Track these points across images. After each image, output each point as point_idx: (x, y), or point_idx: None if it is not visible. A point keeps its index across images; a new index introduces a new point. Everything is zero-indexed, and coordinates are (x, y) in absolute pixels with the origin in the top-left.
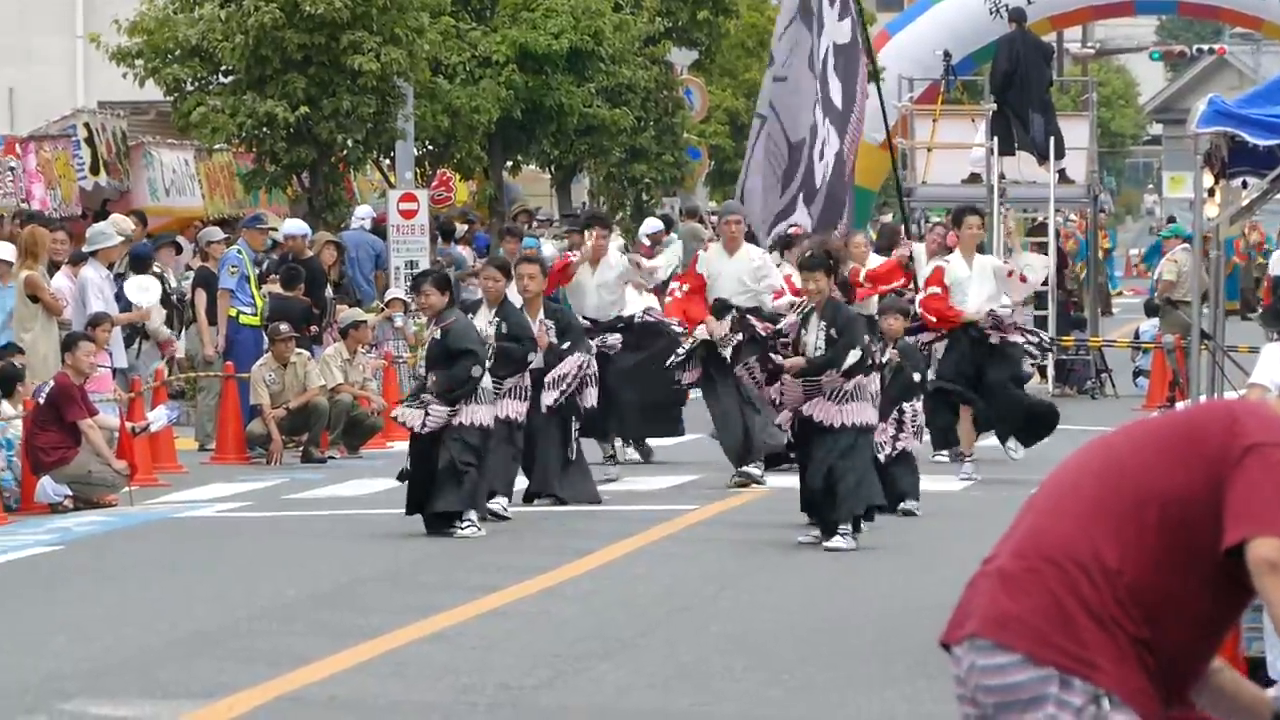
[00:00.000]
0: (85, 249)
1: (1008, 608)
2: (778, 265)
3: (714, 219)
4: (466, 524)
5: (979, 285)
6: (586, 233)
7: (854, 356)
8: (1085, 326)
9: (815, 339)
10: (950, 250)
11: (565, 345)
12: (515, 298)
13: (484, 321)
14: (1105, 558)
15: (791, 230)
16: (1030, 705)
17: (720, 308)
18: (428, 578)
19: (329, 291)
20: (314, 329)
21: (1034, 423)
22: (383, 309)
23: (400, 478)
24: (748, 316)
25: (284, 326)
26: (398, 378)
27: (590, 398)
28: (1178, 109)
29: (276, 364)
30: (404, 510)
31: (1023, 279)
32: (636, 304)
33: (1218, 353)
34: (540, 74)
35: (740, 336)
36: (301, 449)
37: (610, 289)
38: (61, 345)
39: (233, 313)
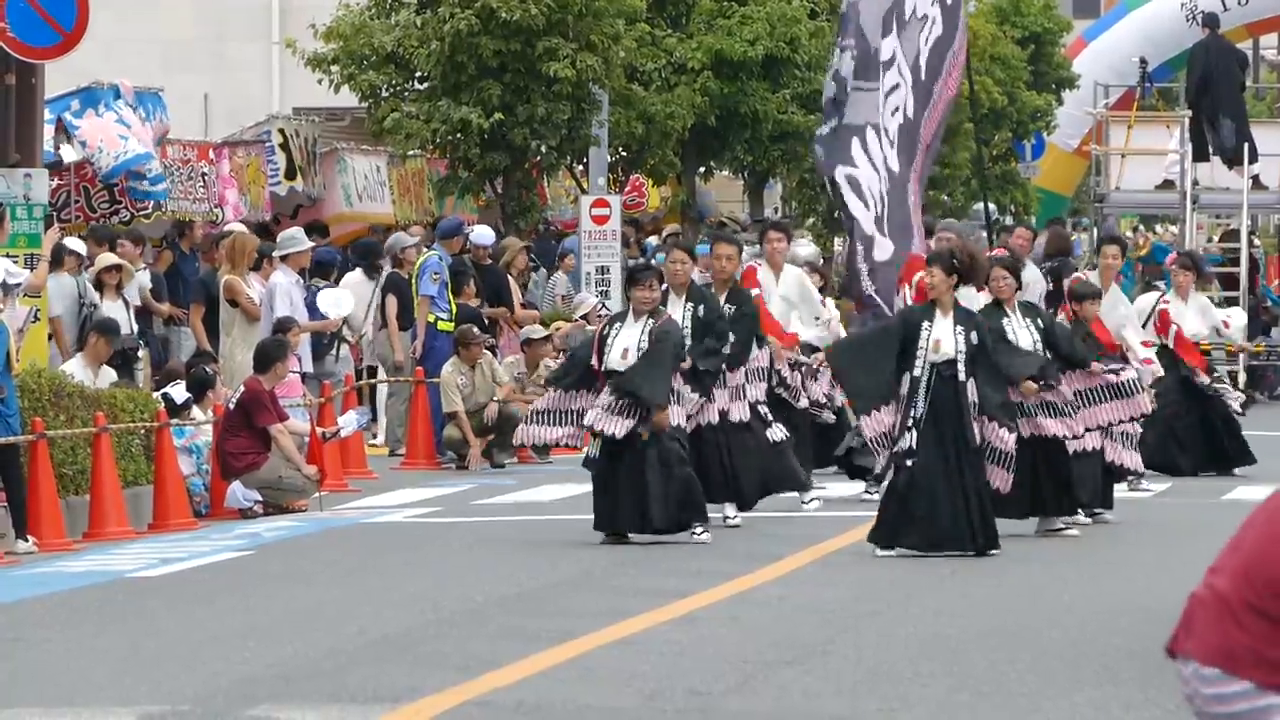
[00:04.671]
0: (276, 254)
1: (1235, 636)
2: None
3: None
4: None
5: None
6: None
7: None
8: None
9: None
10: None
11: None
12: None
13: (678, 311)
14: None
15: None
16: None
17: None
18: (618, 583)
19: (518, 298)
20: (490, 340)
21: None
22: (580, 320)
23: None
24: None
25: (475, 330)
26: None
27: None
28: None
29: (465, 366)
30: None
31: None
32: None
33: None
34: (735, 80)
35: None
36: (485, 450)
37: (791, 300)
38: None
39: (431, 319)
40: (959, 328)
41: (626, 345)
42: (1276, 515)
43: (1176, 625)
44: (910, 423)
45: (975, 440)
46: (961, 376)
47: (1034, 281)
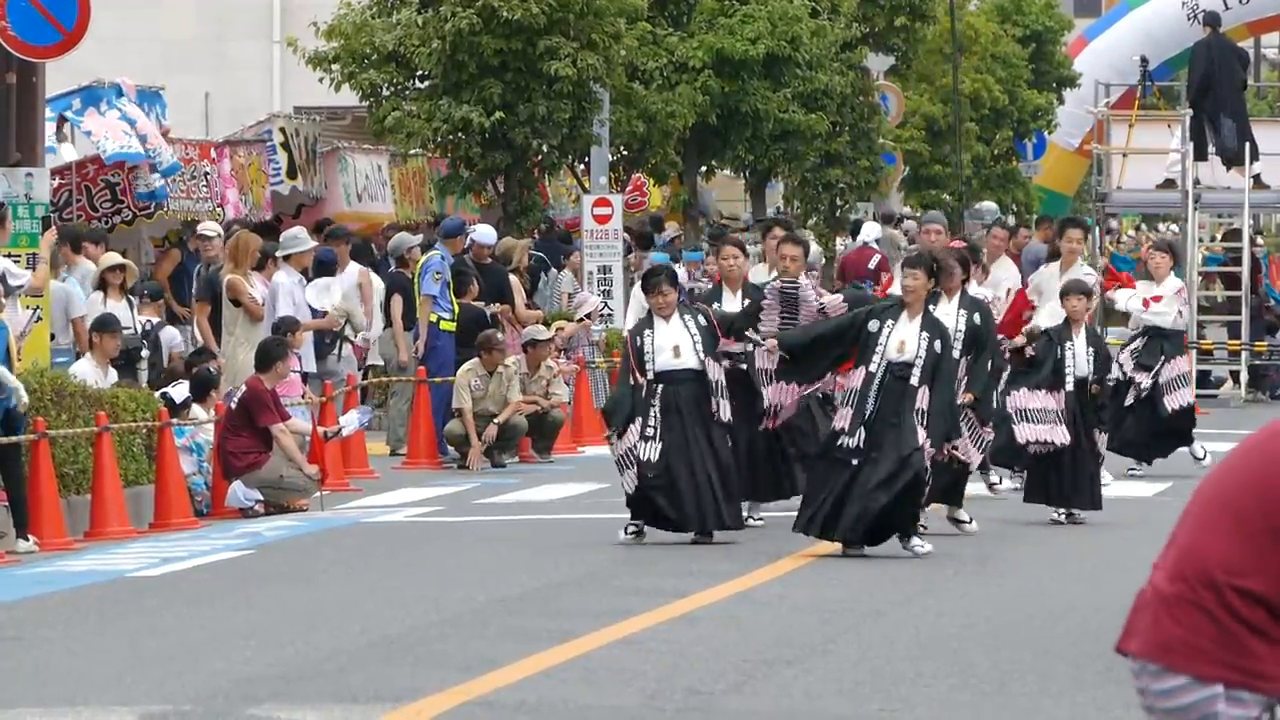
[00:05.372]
0: (279, 253)
1: (1171, 631)
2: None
3: (911, 226)
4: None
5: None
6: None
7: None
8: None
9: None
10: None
11: None
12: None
13: (733, 307)
14: (1249, 579)
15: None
16: None
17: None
18: (619, 582)
19: (520, 298)
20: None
21: None
22: (584, 320)
23: None
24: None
25: (499, 336)
26: (590, 383)
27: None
28: None
29: (484, 370)
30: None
31: None
32: None
33: None
34: (736, 79)
35: None
36: (486, 450)
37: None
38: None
39: (433, 318)
40: (924, 333)
41: (676, 343)
42: (1205, 507)
43: (1125, 624)
44: (861, 420)
45: (916, 439)
46: (914, 381)
47: (1005, 279)
